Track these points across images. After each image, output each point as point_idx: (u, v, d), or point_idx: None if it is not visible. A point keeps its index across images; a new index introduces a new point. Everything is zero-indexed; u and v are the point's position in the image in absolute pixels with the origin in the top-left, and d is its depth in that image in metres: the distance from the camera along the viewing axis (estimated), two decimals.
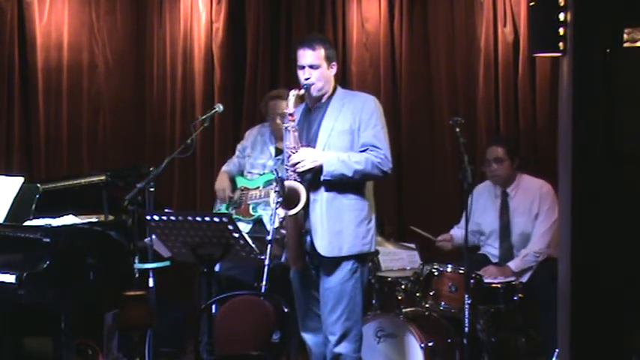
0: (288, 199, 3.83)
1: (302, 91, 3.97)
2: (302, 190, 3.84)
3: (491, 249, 5.22)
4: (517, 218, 5.13)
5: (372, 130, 3.95)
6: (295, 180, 3.89)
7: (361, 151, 3.94)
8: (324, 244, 3.92)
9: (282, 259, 4.09)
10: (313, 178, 3.92)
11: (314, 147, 3.96)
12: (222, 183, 5.34)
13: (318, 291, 4.02)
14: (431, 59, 6.07)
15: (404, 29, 6.07)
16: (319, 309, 4.03)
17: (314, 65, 3.97)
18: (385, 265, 5.15)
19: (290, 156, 3.91)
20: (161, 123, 6.53)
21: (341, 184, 3.92)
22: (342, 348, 3.96)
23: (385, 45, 6.11)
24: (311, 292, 4.06)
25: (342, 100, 4.03)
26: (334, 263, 3.95)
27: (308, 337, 4.14)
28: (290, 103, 3.92)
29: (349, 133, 3.95)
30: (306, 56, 3.98)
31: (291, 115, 3.92)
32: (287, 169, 3.92)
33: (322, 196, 3.93)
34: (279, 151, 5.12)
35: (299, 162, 3.87)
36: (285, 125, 3.95)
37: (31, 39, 6.30)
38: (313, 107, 4.06)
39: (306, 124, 4.04)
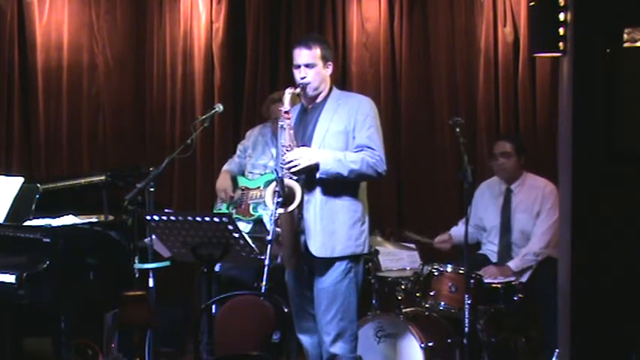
0: (285, 196, 3.82)
1: (298, 90, 3.97)
2: (297, 187, 3.84)
3: (491, 246, 5.22)
4: (518, 215, 5.13)
5: (366, 131, 3.95)
6: (290, 178, 3.88)
7: (356, 152, 3.94)
8: (317, 245, 3.92)
9: (278, 259, 4.08)
10: (308, 178, 3.91)
11: (309, 147, 3.95)
12: (223, 183, 5.34)
13: (313, 292, 4.02)
14: (431, 59, 6.07)
15: (404, 29, 6.07)
16: (314, 310, 4.03)
17: (309, 64, 3.97)
18: (385, 265, 5.14)
19: (285, 154, 3.91)
20: (161, 123, 6.53)
21: (335, 185, 3.92)
22: (338, 348, 3.96)
23: (385, 45, 6.11)
24: (305, 293, 4.06)
25: (337, 101, 4.02)
26: (327, 264, 3.95)
27: (304, 339, 4.14)
28: (286, 101, 3.92)
29: (344, 133, 3.96)
30: (302, 55, 3.98)
31: (286, 112, 3.91)
32: (282, 167, 3.92)
33: (316, 197, 3.93)
34: None
35: (294, 160, 3.87)
36: (281, 123, 3.95)
37: (31, 39, 6.30)
38: (309, 107, 4.06)
39: (302, 124, 4.04)
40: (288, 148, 3.90)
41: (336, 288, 3.94)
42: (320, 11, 6.27)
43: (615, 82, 3.91)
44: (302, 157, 3.87)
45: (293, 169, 3.87)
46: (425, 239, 5.28)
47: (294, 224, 3.89)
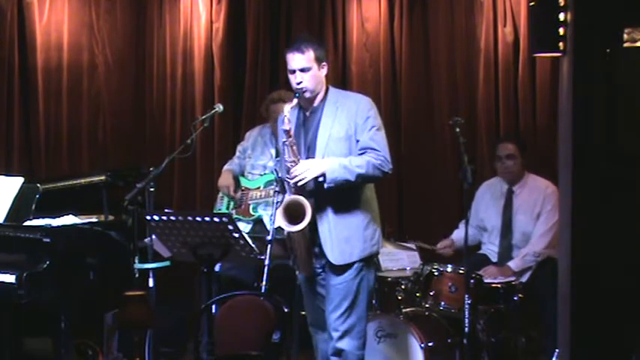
0: (294, 213, 3.79)
1: (294, 102, 3.90)
2: (307, 205, 3.79)
3: (492, 246, 5.22)
4: (519, 216, 5.13)
5: (368, 132, 3.91)
6: (298, 193, 3.84)
7: (360, 154, 3.90)
8: (335, 254, 3.89)
9: (290, 262, 4.07)
10: (317, 188, 3.88)
11: (313, 155, 3.91)
12: (226, 180, 5.34)
13: (325, 289, 4.00)
14: (431, 59, 6.07)
15: (404, 29, 6.07)
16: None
17: (305, 68, 3.89)
18: (385, 265, 5.14)
19: (290, 170, 3.87)
20: (161, 123, 6.54)
21: (344, 192, 3.89)
22: (345, 344, 3.94)
23: (385, 45, 6.11)
24: (318, 290, 4.04)
25: (335, 103, 3.96)
26: (342, 265, 3.93)
27: (316, 334, 4.12)
28: (286, 120, 3.85)
29: (346, 139, 3.91)
30: (296, 60, 3.89)
31: (287, 131, 3.85)
32: (288, 183, 3.88)
33: (327, 207, 3.90)
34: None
35: (300, 174, 3.83)
36: (283, 140, 3.89)
37: (31, 39, 6.31)
38: (308, 111, 4.00)
39: (303, 130, 4.00)
40: (293, 164, 3.85)
41: (348, 286, 3.93)
42: (320, 11, 6.27)
43: (615, 82, 3.91)
44: (308, 170, 3.82)
45: (300, 183, 3.84)
46: (426, 246, 5.27)
47: (307, 237, 3.87)
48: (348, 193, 3.92)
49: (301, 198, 3.82)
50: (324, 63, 3.97)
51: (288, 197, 3.85)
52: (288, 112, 3.87)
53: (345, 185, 3.85)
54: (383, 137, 3.96)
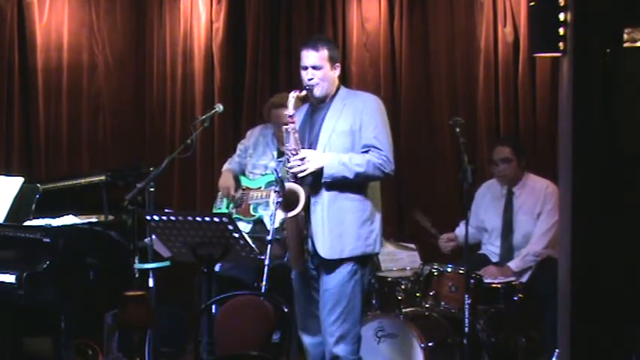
0: (287, 200, 3.80)
1: (303, 93, 3.93)
2: (301, 192, 3.80)
3: (493, 247, 5.22)
4: (520, 217, 5.13)
5: (373, 131, 3.91)
6: (295, 182, 3.85)
7: (363, 152, 3.90)
8: (325, 247, 3.88)
9: (285, 259, 4.07)
10: (314, 181, 3.88)
11: (315, 148, 3.92)
12: (226, 181, 5.33)
13: (318, 292, 4.01)
14: (431, 59, 6.07)
15: (404, 29, 6.07)
16: (318, 310, 4.01)
17: (317, 66, 3.91)
18: (385, 265, 5.14)
19: (290, 158, 3.88)
20: (161, 123, 6.54)
21: (342, 186, 3.88)
22: (340, 350, 3.93)
23: (385, 45, 6.11)
24: (311, 293, 4.03)
25: (343, 100, 3.97)
26: (335, 265, 3.92)
27: (305, 338, 4.11)
28: (290, 105, 3.86)
29: (350, 134, 3.91)
30: (310, 57, 3.92)
31: (291, 117, 3.88)
32: (287, 171, 3.88)
33: (323, 199, 3.89)
34: (281, 154, 5.12)
35: (300, 165, 3.85)
36: (286, 127, 3.90)
37: (31, 39, 6.31)
38: (316, 107, 4.02)
39: (309, 124, 4.01)
40: (294, 152, 3.86)
41: (342, 289, 3.91)
42: (320, 11, 6.27)
43: (615, 82, 3.90)
44: (308, 162, 3.83)
45: (300, 175, 3.84)
46: (434, 230, 5.26)
47: (300, 227, 3.87)
48: (347, 190, 3.90)
49: (295, 186, 3.82)
50: (337, 64, 3.99)
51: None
52: (293, 97, 3.88)
53: (343, 182, 3.85)
54: (387, 137, 3.96)
